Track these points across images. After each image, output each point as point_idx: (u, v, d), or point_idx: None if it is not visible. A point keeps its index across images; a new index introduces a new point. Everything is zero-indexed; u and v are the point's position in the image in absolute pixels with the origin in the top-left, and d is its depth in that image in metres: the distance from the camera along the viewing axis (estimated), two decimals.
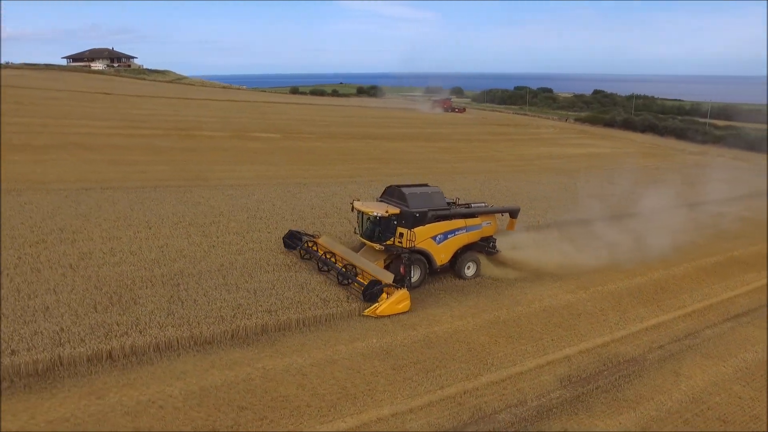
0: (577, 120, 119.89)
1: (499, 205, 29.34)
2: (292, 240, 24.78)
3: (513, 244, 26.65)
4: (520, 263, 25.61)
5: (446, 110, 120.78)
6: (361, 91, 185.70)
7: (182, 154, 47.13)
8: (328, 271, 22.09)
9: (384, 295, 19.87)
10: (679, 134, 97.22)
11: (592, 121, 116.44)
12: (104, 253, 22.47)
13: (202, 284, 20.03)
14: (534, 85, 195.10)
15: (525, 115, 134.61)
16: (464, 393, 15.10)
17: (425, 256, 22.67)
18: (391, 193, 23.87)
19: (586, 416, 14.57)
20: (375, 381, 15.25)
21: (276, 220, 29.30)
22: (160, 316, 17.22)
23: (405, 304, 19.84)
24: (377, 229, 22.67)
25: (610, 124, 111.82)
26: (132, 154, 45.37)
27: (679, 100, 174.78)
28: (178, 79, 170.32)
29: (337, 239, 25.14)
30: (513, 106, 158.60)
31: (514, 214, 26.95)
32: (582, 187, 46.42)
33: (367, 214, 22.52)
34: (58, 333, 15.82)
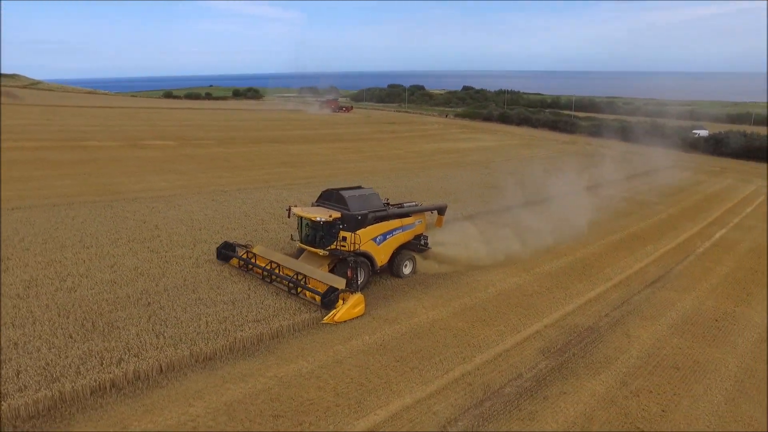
0: (457, 116, 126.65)
1: (428, 203, 29.54)
2: (228, 251, 23.71)
3: (441, 240, 27.49)
4: (450, 258, 26.57)
5: (334, 110, 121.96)
6: (238, 94, 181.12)
7: (80, 167, 43.89)
8: (272, 281, 21.49)
9: (340, 301, 19.71)
10: (551, 126, 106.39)
11: (471, 116, 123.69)
12: (51, 278, 20.91)
13: (176, 301, 19.44)
14: (406, 83, 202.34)
15: (406, 112, 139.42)
16: (468, 374, 16.39)
17: (368, 258, 22.73)
18: (329, 197, 23.66)
19: (574, 379, 16.49)
20: (387, 374, 16.05)
21: (216, 230, 28.70)
22: (150, 338, 16.64)
23: (360, 308, 19.95)
24: (318, 234, 22.51)
25: (488, 118, 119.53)
26: (24, 169, 41.44)
27: (539, 94, 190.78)
28: (33, 84, 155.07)
29: (272, 247, 24.86)
30: (391, 104, 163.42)
31: (442, 211, 27.65)
32: (488, 178, 49.86)
33: (309, 219, 22.11)
34: (44, 368, 14.80)
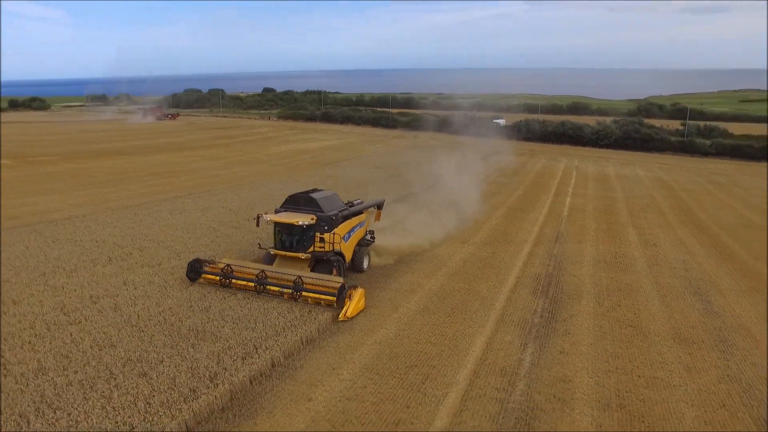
0: (281, 117, 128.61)
1: (372, 200, 30.29)
2: (199, 268, 22.57)
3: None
4: (389, 248, 28.21)
5: (159, 118, 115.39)
6: (16, 105, 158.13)
7: None
8: (263, 291, 21.30)
9: (347, 299, 20.27)
10: (373, 123, 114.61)
11: (294, 117, 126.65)
12: (47, 315, 20.15)
13: (198, 328, 18.30)
14: (203, 87, 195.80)
15: (225, 117, 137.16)
16: (502, 315, 20.82)
17: (342, 256, 23.66)
18: (296, 202, 23.92)
19: (569, 306, 21.90)
20: (451, 326, 19.70)
21: (168, 247, 27.41)
22: (206, 372, 15.48)
23: (363, 301, 20.70)
24: (295, 239, 22.94)
25: (310, 118, 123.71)
26: None
27: (339, 92, 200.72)
28: None
29: (235, 257, 24.80)
30: (202, 109, 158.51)
31: (380, 206, 29.50)
32: (368, 173, 54.47)
33: (290, 224, 22.49)
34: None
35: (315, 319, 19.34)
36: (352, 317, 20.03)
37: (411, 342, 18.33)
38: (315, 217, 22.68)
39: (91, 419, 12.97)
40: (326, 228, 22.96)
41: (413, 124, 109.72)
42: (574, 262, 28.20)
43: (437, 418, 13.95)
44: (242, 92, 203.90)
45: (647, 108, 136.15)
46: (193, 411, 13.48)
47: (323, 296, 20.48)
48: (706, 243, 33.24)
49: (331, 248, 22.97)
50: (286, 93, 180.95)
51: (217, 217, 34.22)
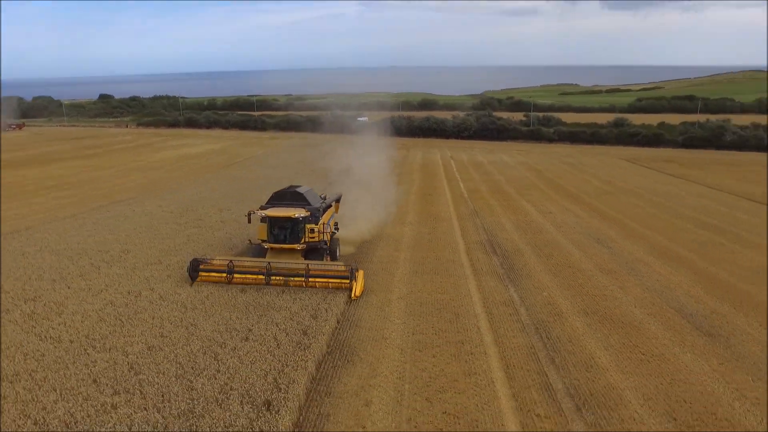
0: (140, 125, 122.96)
1: (334, 194, 32.31)
2: (198, 267, 23.41)
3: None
4: (348, 238, 30.31)
5: (5, 129, 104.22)
6: None
7: None
8: (269, 282, 22.63)
9: (354, 280, 22.19)
10: (241, 126, 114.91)
11: (155, 124, 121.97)
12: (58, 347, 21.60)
13: (264, 306, 23.07)
14: (22, 94, 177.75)
15: (75, 126, 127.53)
16: (483, 271, 26.12)
17: (326, 244, 25.83)
18: (282, 197, 25.76)
19: (522, 259, 27.87)
20: (453, 284, 24.53)
21: (152, 247, 28.64)
22: (297, 331, 19.24)
23: (363, 281, 22.83)
24: (288, 232, 24.53)
25: (174, 124, 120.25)
26: None
27: (185, 97, 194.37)
28: None
29: (223, 254, 26.35)
30: (40, 119, 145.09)
31: (339, 200, 31.69)
32: (273, 173, 57.07)
33: (288, 217, 24.14)
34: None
35: (335, 298, 21.59)
36: (360, 295, 22.19)
37: (424, 294, 22.82)
38: (308, 210, 24.81)
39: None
40: (316, 219, 25.10)
41: (283, 126, 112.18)
42: (501, 230, 34.48)
43: (484, 336, 18.70)
44: (72, 99, 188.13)
45: (489, 102, 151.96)
46: (314, 355, 16.74)
47: (336, 280, 22.37)
48: (584, 208, 41.73)
49: (321, 238, 25.03)
50: (133, 99, 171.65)
51: (171, 219, 35.40)
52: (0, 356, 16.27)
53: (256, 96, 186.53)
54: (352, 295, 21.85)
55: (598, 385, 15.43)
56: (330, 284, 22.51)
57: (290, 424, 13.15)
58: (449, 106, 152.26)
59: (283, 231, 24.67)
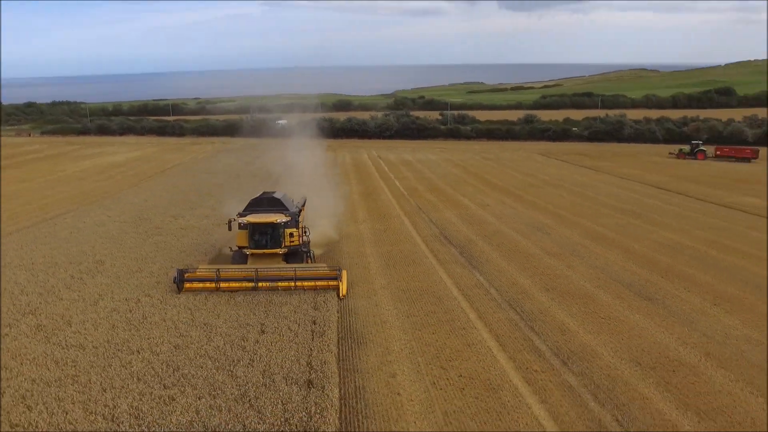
0: (44, 133, 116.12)
1: (300, 198, 31.95)
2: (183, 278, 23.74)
3: None
4: (322, 241, 31.81)
5: None
6: None
7: None
8: (257, 287, 23.27)
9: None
10: (159, 132, 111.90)
11: (62, 132, 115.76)
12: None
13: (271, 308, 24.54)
14: None
15: None
16: (446, 260, 28.96)
17: (305, 248, 27.20)
18: (259, 204, 26.56)
19: (476, 248, 31.03)
20: (425, 273, 27.14)
21: (124, 256, 29.14)
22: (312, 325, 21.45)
23: (347, 279, 24.18)
24: (268, 237, 25.25)
25: (84, 132, 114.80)
26: None
27: (85, 102, 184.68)
28: None
29: (205, 262, 27.39)
30: None
31: (304, 203, 31.61)
32: (213, 179, 57.28)
33: (270, 223, 24.99)
34: None
35: (324, 295, 23.19)
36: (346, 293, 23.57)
37: (403, 283, 25.30)
38: (287, 215, 25.67)
39: None
40: (295, 224, 26.07)
41: (202, 131, 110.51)
42: (449, 224, 37.61)
43: (469, 314, 21.48)
44: None
45: (403, 102, 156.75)
46: (332, 340, 18.77)
47: (323, 282, 23.62)
48: (516, 200, 45.95)
49: (299, 241, 26.11)
50: (29, 105, 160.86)
51: (129, 229, 35.47)
52: None
53: (163, 100, 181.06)
54: (341, 294, 23.13)
55: (574, 345, 18.65)
56: (318, 285, 23.67)
57: (337, 397, 15.20)
58: (364, 106, 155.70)
59: (264, 236, 25.44)
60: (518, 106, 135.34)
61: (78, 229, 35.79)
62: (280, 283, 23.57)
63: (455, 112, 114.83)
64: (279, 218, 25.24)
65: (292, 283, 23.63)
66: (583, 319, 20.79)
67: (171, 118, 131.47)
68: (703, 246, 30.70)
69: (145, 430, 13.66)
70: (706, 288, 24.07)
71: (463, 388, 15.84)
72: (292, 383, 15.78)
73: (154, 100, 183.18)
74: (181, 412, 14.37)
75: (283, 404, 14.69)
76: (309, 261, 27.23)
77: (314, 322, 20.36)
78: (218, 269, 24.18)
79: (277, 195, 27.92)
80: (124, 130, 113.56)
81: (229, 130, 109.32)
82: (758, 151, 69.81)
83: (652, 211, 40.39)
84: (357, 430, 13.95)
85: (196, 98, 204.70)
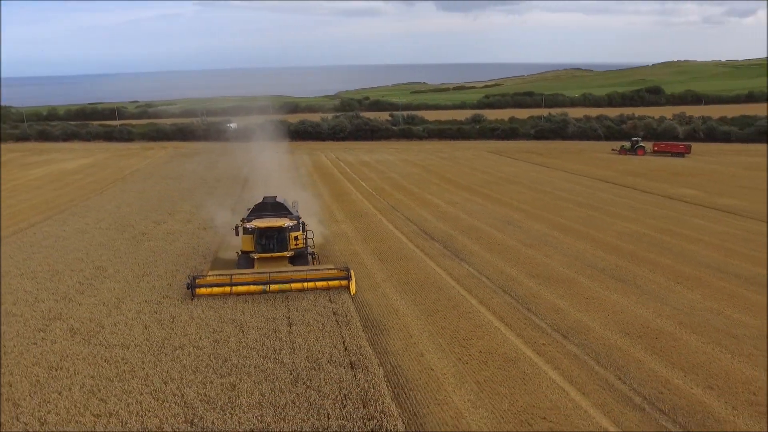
0: None
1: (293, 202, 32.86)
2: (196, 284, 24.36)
3: None
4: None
5: None
6: None
7: None
8: (268, 289, 24.16)
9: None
10: (106, 137, 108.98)
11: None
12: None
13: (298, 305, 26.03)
14: None
15: None
16: (434, 254, 31.32)
17: (310, 249, 28.67)
18: (263, 209, 27.73)
19: (458, 242, 33.59)
20: (420, 267, 29.37)
21: (126, 263, 30.14)
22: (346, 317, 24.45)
23: (355, 278, 25.39)
24: (274, 241, 26.21)
25: (23, 138, 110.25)
26: None
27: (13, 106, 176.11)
28: None
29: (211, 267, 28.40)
30: None
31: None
32: (178, 184, 57.48)
33: (278, 227, 26.04)
34: None
35: (339, 292, 24.78)
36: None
37: (401, 275, 27.51)
38: (292, 219, 26.94)
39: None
40: (300, 227, 27.29)
41: (152, 135, 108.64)
42: (424, 221, 40.01)
43: (470, 300, 23.89)
44: None
45: (349, 103, 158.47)
46: (358, 328, 20.70)
47: (335, 282, 24.83)
48: (480, 196, 48.95)
49: (304, 244, 27.44)
50: None
51: (114, 235, 35.90)
52: None
53: (101, 103, 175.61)
54: (351, 292, 24.55)
55: (568, 321, 21.41)
56: (330, 285, 24.87)
57: (382, 375, 17.23)
58: (311, 108, 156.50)
59: (270, 240, 26.35)
60: (463, 106, 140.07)
61: (61, 237, 35.92)
62: (293, 285, 24.46)
63: (404, 113, 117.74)
64: (285, 222, 26.50)
65: (307, 284, 24.56)
66: (570, 300, 23.63)
67: (117, 122, 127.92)
68: (658, 234, 34.49)
69: (220, 412, 15.24)
70: (667, 269, 27.54)
71: (486, 362, 18.22)
72: (337, 365, 17.68)
73: (91, 103, 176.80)
74: (247, 395, 16.02)
75: (338, 383, 16.58)
76: (314, 262, 28.62)
77: (335, 313, 22.25)
78: (231, 274, 25.08)
79: (279, 199, 29.05)
80: (68, 136, 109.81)
81: (180, 134, 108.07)
82: (691, 146, 76.32)
83: (607, 204, 44.33)
84: (409, 399, 16.05)
85: (133, 101, 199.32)
